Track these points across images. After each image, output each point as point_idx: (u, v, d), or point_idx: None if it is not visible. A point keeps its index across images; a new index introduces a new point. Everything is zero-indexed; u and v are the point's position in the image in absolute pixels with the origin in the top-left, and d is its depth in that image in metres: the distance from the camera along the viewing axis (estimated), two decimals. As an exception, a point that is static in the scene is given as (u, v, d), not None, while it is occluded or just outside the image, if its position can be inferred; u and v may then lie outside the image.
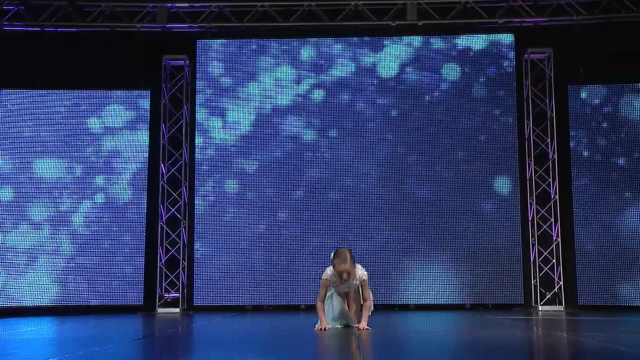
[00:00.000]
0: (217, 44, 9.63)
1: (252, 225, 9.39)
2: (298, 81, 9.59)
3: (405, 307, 9.22)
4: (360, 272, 5.86)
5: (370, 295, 5.90)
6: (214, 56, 9.63)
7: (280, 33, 9.61)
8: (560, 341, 5.34)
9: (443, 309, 9.05)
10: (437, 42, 9.54)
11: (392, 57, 9.54)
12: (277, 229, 9.38)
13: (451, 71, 9.48)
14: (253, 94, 9.57)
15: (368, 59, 9.57)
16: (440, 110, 9.46)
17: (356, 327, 5.84)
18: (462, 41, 9.51)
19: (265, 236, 9.38)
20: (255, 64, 9.61)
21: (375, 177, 9.41)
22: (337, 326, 5.99)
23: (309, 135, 9.52)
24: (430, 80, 9.49)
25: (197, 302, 9.27)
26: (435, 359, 4.44)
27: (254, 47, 9.63)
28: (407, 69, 9.53)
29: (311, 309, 9.14)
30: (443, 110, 9.45)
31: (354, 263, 5.83)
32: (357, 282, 5.86)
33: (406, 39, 9.53)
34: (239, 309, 9.19)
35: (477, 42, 9.49)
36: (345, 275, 5.76)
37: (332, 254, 5.89)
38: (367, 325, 5.78)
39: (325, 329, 5.75)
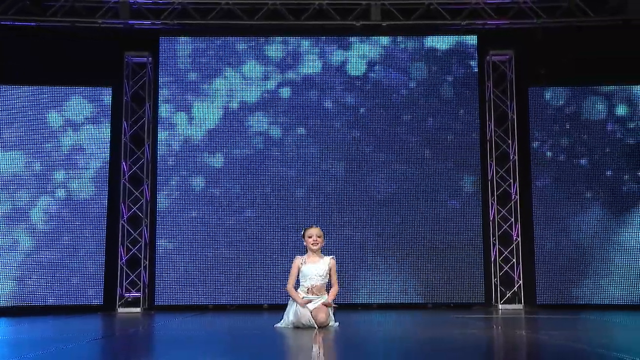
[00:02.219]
0: (180, 41, 9.54)
1: (217, 223, 9.33)
2: (265, 78, 9.55)
3: (367, 307, 9.26)
4: (328, 256, 6.25)
5: (337, 283, 6.20)
6: (177, 53, 9.54)
7: (245, 31, 9.56)
8: (519, 340, 5.42)
9: (405, 308, 9.11)
10: (404, 42, 9.60)
11: (360, 55, 9.57)
12: (242, 227, 9.34)
13: (418, 71, 9.56)
14: (218, 91, 9.51)
15: (335, 57, 9.59)
16: (407, 109, 9.53)
17: (322, 304, 5.96)
18: (429, 41, 9.59)
19: (229, 234, 9.32)
20: (220, 61, 9.55)
21: (341, 175, 9.43)
22: (299, 325, 5.99)
23: (276, 133, 9.49)
24: (397, 80, 9.55)
25: (158, 301, 9.17)
26: (396, 359, 4.46)
27: (218, 44, 9.57)
28: (375, 67, 9.58)
29: (274, 308, 9.13)
30: (410, 109, 9.53)
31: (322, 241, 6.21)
32: (327, 266, 6.15)
33: (374, 38, 9.58)
34: (201, 309, 9.13)
35: (443, 42, 9.58)
36: (316, 240, 6.13)
37: (303, 230, 6.32)
38: (333, 316, 6.03)
39: (304, 304, 5.93)
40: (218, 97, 9.50)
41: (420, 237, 9.34)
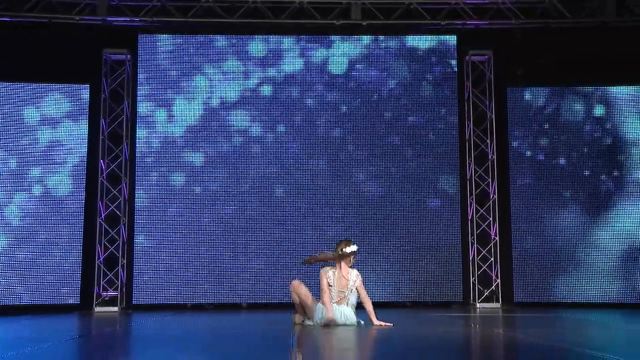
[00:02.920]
0: (160, 38, 9.47)
1: (196, 222, 9.28)
2: (246, 76, 9.52)
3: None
4: (355, 272, 6.24)
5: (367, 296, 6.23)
6: (157, 51, 9.47)
7: (225, 29, 9.52)
8: (496, 338, 5.45)
9: (384, 307, 9.09)
10: (385, 40, 9.62)
11: (341, 54, 9.58)
12: (221, 225, 9.29)
13: (399, 69, 9.58)
14: (198, 88, 9.46)
15: (317, 55, 9.58)
16: (388, 107, 9.55)
17: (376, 325, 6.06)
18: (410, 40, 9.61)
19: (208, 233, 9.28)
20: (200, 58, 9.49)
21: (321, 173, 9.43)
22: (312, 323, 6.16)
23: (256, 130, 9.46)
24: (378, 78, 9.57)
25: (136, 300, 9.10)
26: (376, 357, 4.47)
27: (199, 41, 9.52)
28: (356, 66, 9.58)
29: (253, 307, 9.12)
30: (391, 108, 9.55)
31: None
32: (352, 285, 6.17)
33: (355, 37, 9.58)
34: (180, 308, 9.07)
35: (424, 41, 9.61)
36: (352, 258, 6.15)
37: (337, 245, 6.23)
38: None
39: (331, 320, 5.99)
40: (198, 95, 9.45)
41: (399, 235, 9.37)
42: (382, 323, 6.09)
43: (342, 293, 6.17)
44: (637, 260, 9.31)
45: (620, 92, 9.57)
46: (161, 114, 9.42)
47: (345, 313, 6.14)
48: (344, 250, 6.19)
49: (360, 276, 6.25)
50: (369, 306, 6.20)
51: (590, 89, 9.58)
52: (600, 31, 9.37)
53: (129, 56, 9.41)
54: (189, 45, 9.50)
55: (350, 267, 6.26)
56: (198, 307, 9.14)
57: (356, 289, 6.20)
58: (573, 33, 9.41)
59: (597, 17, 9.31)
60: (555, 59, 9.41)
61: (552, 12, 9.36)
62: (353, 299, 6.21)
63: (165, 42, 9.48)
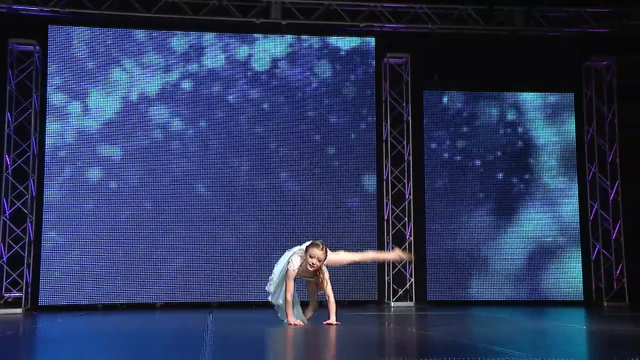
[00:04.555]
0: (74, 30, 9.14)
1: (109, 220, 9.00)
2: (166, 71, 9.31)
3: (265, 305, 9.20)
4: (325, 270, 6.31)
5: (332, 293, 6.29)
6: (70, 42, 9.13)
7: (141, 24, 9.29)
8: (409, 335, 5.54)
9: (303, 306, 9.11)
10: (309, 39, 9.62)
11: (265, 51, 9.51)
12: (136, 223, 9.04)
13: (322, 69, 9.61)
14: (116, 82, 9.18)
15: (240, 52, 9.48)
16: (311, 106, 9.56)
17: (326, 324, 6.10)
18: (333, 40, 9.66)
19: (122, 230, 9.00)
20: (117, 52, 9.22)
21: (242, 170, 9.34)
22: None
23: (176, 125, 9.27)
24: (301, 76, 9.57)
25: (43, 301, 8.74)
26: (285, 356, 4.44)
27: (116, 35, 9.24)
28: (280, 63, 9.55)
29: (167, 307, 8.92)
30: (313, 106, 9.56)
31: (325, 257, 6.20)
32: (321, 277, 6.26)
33: (279, 35, 9.54)
34: (90, 308, 8.78)
35: (346, 42, 9.67)
36: (315, 262, 6.13)
37: (308, 244, 6.25)
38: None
39: (298, 323, 6.06)
40: (116, 88, 9.18)
41: (318, 234, 9.37)
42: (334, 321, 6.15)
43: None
44: (543, 261, 9.69)
45: (531, 98, 9.95)
46: (75, 107, 9.10)
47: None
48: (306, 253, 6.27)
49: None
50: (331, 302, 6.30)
51: (504, 94, 9.91)
52: (511, 39, 9.72)
53: (37, 47, 9.03)
54: (106, 38, 9.22)
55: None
56: (110, 307, 8.87)
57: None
58: (487, 39, 9.72)
59: (507, 25, 9.65)
60: (471, 63, 9.69)
61: (466, 18, 9.63)
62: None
63: (79, 33, 9.16)
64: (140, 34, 9.32)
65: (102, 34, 9.22)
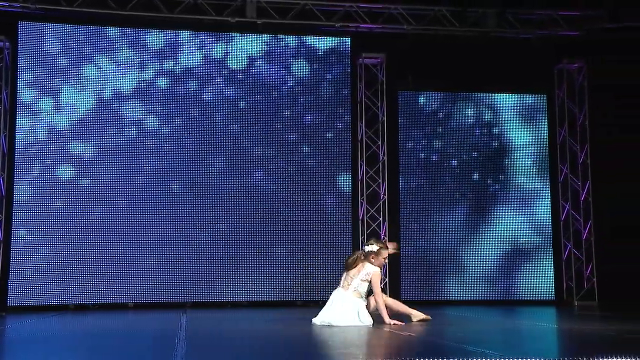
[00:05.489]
0: (45, 26, 9.02)
1: (82, 218, 8.89)
2: (141, 68, 9.23)
3: (237, 304, 9.18)
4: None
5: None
6: (42, 39, 9.00)
7: (116, 21, 9.19)
8: (383, 334, 5.56)
9: (275, 306, 9.11)
10: (285, 38, 9.60)
11: (241, 49, 9.48)
12: (108, 222, 8.95)
13: (298, 68, 9.60)
14: (89, 79, 9.08)
15: (216, 50, 9.43)
16: (286, 105, 9.54)
17: (388, 324, 6.06)
18: (310, 40, 9.65)
19: (95, 229, 8.90)
20: (91, 49, 9.12)
21: (217, 168, 9.30)
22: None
23: (151, 123, 9.19)
24: (278, 75, 9.55)
25: (12, 302, 8.61)
26: (262, 354, 4.43)
27: (89, 32, 9.13)
28: (256, 62, 9.51)
29: (140, 307, 8.84)
30: (289, 106, 9.54)
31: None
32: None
33: (255, 34, 9.50)
34: (62, 309, 8.67)
35: (323, 41, 9.67)
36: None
37: (373, 247, 6.33)
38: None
39: (398, 324, 6.01)
40: (89, 85, 9.08)
41: (293, 234, 9.38)
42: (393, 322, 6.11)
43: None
44: (516, 260, 9.79)
45: (505, 99, 10.04)
46: (46, 105, 8.98)
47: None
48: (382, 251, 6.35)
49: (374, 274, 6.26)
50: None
51: (478, 95, 9.99)
52: (483, 41, 9.79)
53: (7, 43, 8.89)
54: (78, 35, 9.11)
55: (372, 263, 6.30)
56: (82, 308, 8.77)
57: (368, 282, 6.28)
58: (461, 40, 9.79)
59: (480, 26, 9.74)
60: (446, 64, 9.74)
61: (441, 20, 9.69)
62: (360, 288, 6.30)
63: (51, 30, 9.04)
64: (113, 31, 9.23)
65: (75, 31, 9.11)
